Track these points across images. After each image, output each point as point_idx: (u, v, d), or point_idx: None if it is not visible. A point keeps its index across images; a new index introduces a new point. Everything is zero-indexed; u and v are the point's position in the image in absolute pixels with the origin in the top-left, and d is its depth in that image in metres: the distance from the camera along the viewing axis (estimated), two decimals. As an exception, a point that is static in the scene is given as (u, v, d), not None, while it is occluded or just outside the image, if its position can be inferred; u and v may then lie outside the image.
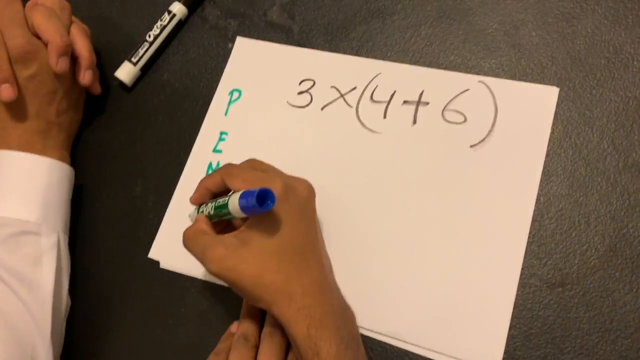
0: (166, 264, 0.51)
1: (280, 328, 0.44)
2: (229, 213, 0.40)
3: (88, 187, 0.56)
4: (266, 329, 0.43)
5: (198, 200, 0.46)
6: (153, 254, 0.52)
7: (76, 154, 0.57)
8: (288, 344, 0.43)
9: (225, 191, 0.44)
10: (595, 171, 0.45)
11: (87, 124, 0.58)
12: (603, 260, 0.42)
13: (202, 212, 0.45)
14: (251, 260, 0.39)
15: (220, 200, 0.42)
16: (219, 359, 0.43)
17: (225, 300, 0.49)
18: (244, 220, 0.42)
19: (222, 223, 0.45)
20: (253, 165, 0.45)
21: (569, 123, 0.47)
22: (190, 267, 0.50)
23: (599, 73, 0.47)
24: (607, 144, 0.45)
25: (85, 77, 0.54)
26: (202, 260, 0.41)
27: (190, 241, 0.43)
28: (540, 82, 0.48)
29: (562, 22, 0.50)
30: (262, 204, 0.37)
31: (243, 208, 0.38)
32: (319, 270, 0.41)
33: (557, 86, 0.48)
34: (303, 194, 0.42)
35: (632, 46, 0.48)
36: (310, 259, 0.41)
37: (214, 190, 0.44)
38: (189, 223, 0.51)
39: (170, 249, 0.51)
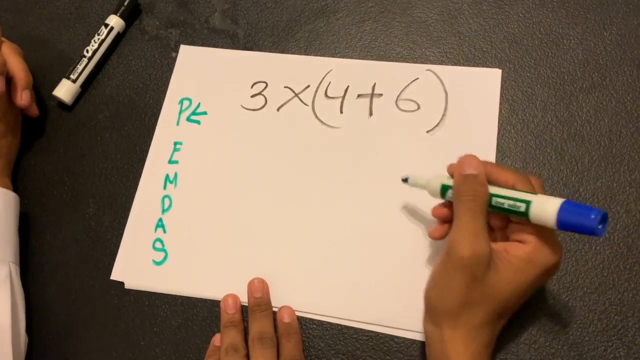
0: (131, 283, 0.49)
1: (269, 333, 0.43)
2: (518, 213, 0.35)
3: (35, 215, 0.52)
4: (254, 335, 0.43)
5: (478, 167, 0.38)
6: (116, 275, 0.49)
7: (18, 181, 0.54)
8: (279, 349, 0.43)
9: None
10: (543, 143, 0.48)
11: (26, 148, 0.55)
12: (562, 224, 0.45)
13: None
14: (482, 288, 0.35)
15: (515, 193, 0.36)
16: (212, 375, 0.41)
17: (199, 314, 0.47)
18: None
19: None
20: None
21: (514, 101, 0.50)
22: (159, 283, 0.48)
23: (534, 53, 0.51)
24: (550, 117, 0.49)
25: (23, 97, 0.51)
26: (462, 233, 0.35)
27: (474, 195, 0.36)
28: (483, 66, 0.51)
29: (495, 9, 0.53)
30: (600, 225, 0.32)
31: (567, 219, 0.33)
32: (501, 326, 0.38)
33: (499, 68, 0.51)
34: (553, 270, 0.37)
35: (560, 26, 0.52)
36: (507, 317, 0.38)
37: (497, 180, 0.38)
38: (150, 239, 0.49)
39: (134, 267, 0.49)
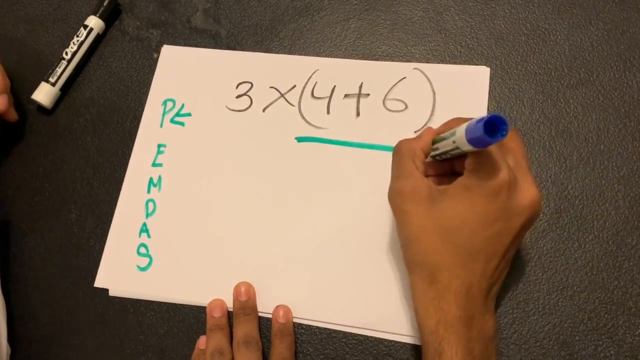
0: (116, 290, 0.48)
1: (254, 336, 0.42)
2: (451, 142, 0.35)
3: (16, 222, 0.51)
4: (239, 339, 0.42)
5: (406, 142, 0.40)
6: (100, 282, 0.48)
7: (-3, 188, 0.52)
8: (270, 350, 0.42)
9: None
10: (531, 141, 0.47)
11: (5, 153, 0.54)
12: (551, 223, 0.45)
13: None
14: (422, 221, 0.36)
15: (448, 132, 0.37)
16: (195, 379, 0.41)
17: (185, 320, 0.46)
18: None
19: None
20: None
21: (501, 99, 0.49)
22: (144, 289, 0.47)
23: (521, 49, 0.50)
24: (538, 115, 0.48)
25: (0, 102, 0.50)
26: (391, 179, 0.39)
27: (398, 155, 0.40)
28: (469, 63, 0.50)
29: (481, 5, 0.52)
30: (492, 133, 0.31)
31: (468, 134, 0.32)
32: (480, 277, 0.36)
33: (485, 65, 0.50)
34: (521, 203, 0.35)
35: (546, 22, 0.51)
36: (479, 262, 0.36)
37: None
38: (134, 245, 0.49)
39: (118, 274, 0.48)
